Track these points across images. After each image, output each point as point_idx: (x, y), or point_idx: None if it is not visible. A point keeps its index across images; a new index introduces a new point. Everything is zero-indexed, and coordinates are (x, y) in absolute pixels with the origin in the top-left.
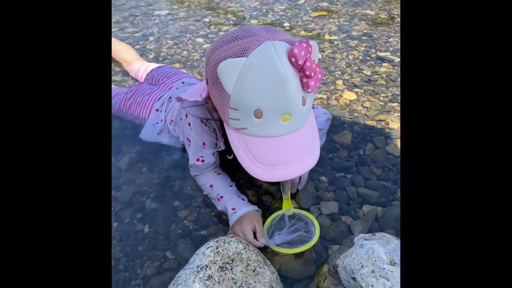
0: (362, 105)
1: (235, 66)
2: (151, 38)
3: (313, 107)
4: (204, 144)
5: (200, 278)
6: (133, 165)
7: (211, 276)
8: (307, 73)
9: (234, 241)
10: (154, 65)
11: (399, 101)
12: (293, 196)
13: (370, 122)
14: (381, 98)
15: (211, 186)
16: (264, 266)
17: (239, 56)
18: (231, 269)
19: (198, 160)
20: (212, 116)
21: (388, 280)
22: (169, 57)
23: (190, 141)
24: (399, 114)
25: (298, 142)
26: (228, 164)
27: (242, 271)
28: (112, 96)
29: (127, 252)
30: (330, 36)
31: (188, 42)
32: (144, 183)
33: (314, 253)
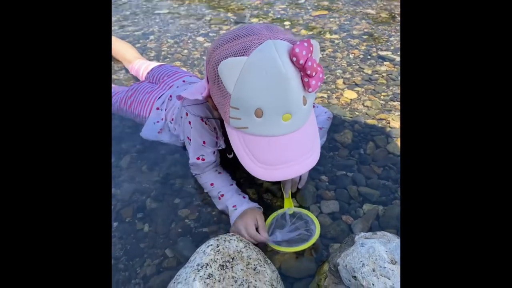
0: (363, 104)
1: (236, 65)
2: (151, 37)
3: (313, 106)
4: (204, 142)
5: (200, 276)
6: (133, 164)
7: (212, 275)
8: (308, 72)
9: (234, 240)
10: (154, 64)
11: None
12: (294, 195)
13: (370, 121)
14: (382, 97)
15: (211, 184)
16: (264, 265)
17: (240, 55)
18: (232, 267)
19: (198, 158)
20: (213, 114)
21: (389, 279)
22: (169, 55)
23: (190, 140)
24: (399, 113)
25: (298, 141)
26: (229, 162)
27: (243, 270)
28: (113, 94)
29: (127, 250)
30: (331, 35)
31: (189, 41)
32: (144, 181)
33: (314, 252)
